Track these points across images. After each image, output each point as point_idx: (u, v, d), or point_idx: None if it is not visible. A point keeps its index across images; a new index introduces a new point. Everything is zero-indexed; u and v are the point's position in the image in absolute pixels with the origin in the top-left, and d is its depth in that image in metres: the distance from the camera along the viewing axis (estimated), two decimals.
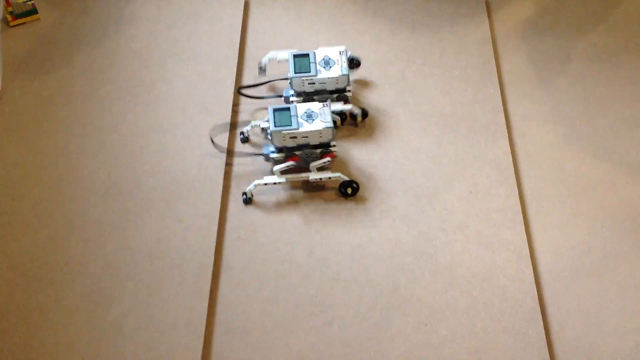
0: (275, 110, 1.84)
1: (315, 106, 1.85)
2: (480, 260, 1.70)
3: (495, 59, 2.14)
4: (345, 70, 1.95)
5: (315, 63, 1.95)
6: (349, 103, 1.97)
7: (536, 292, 1.64)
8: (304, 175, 1.83)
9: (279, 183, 1.83)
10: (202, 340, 1.56)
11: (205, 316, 1.60)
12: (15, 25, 2.28)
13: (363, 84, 2.10)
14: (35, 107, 2.03)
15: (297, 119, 1.82)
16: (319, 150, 1.84)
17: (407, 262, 1.70)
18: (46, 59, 2.16)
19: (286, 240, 1.76)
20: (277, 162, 1.84)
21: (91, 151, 1.92)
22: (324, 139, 1.84)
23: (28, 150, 1.92)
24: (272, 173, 1.83)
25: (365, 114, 1.99)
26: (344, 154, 1.93)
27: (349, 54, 2.09)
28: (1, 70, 2.12)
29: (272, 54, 2.04)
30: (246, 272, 1.70)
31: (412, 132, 1.98)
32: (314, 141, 1.84)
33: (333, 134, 1.83)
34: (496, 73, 2.10)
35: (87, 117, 2.00)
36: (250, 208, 1.82)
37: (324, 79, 1.94)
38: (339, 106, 1.96)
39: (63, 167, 1.88)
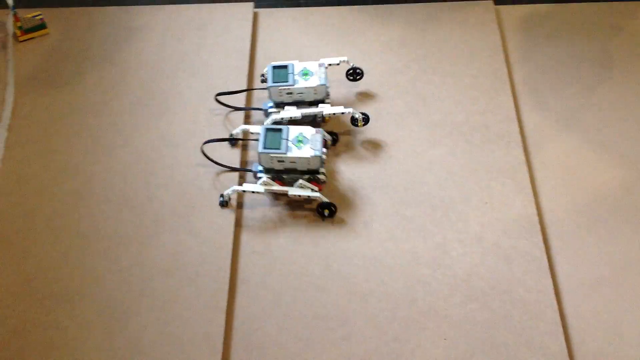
0: (267, 130, 1.81)
1: (308, 131, 1.82)
2: (498, 272, 1.69)
3: (507, 67, 2.14)
4: (324, 81, 1.94)
5: (294, 74, 1.95)
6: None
7: (556, 304, 1.62)
8: (283, 188, 1.81)
9: (257, 192, 1.81)
10: (219, 355, 1.55)
11: (222, 331, 1.59)
12: (24, 40, 2.27)
13: (373, 94, 2.09)
14: (46, 121, 2.02)
15: (287, 143, 1.79)
16: (306, 177, 1.82)
17: (425, 275, 1.69)
18: (56, 74, 2.16)
19: (302, 253, 1.75)
20: (265, 183, 1.82)
21: (104, 165, 1.91)
22: (312, 166, 1.81)
23: (40, 165, 1.91)
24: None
25: (366, 119, 1.98)
26: (356, 163, 1.92)
27: (351, 64, 2.09)
28: (13, 85, 2.12)
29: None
30: (262, 286, 1.69)
31: (425, 143, 1.97)
32: (301, 167, 1.82)
33: (321, 162, 1.81)
34: (508, 81, 2.09)
35: (99, 131, 1.99)
36: (264, 221, 1.81)
37: (302, 88, 1.94)
38: (340, 109, 1.95)
39: (76, 181, 1.87)
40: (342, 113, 1.95)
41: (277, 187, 1.80)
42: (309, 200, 1.84)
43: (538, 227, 1.76)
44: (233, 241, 1.76)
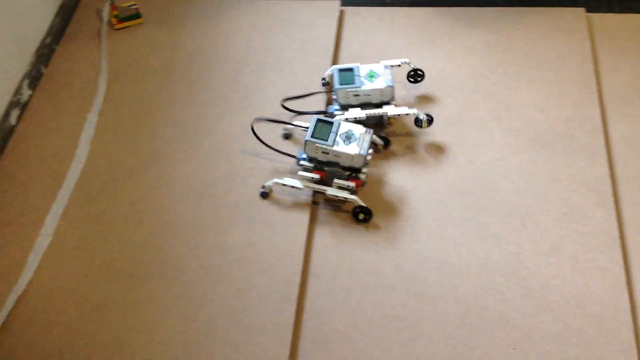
0: (318, 121, 1.83)
1: (357, 129, 1.83)
2: (573, 285, 1.66)
3: (596, 77, 2.08)
4: (390, 82, 1.94)
5: (360, 76, 1.95)
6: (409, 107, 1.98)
7: (632, 323, 1.58)
8: (322, 187, 1.82)
9: (296, 188, 1.83)
10: (288, 346, 1.59)
11: (292, 323, 1.62)
12: (119, 29, 2.37)
13: (455, 96, 2.08)
14: (135, 108, 2.10)
15: (335, 137, 1.80)
16: (347, 173, 1.83)
17: (497, 283, 1.68)
18: (147, 63, 2.24)
19: (374, 252, 1.76)
20: (305, 169, 1.85)
21: (187, 154, 1.97)
22: (355, 164, 1.82)
23: (128, 151, 1.99)
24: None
25: (430, 120, 1.96)
26: (435, 165, 1.92)
27: (412, 66, 2.08)
28: (106, 72, 2.21)
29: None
30: (333, 281, 1.71)
31: (506, 149, 1.95)
32: (344, 163, 1.82)
33: (365, 162, 1.81)
34: (596, 91, 2.04)
35: (185, 121, 2.06)
36: (339, 218, 1.83)
37: (369, 90, 1.94)
38: (404, 110, 1.95)
39: (160, 168, 1.94)
40: (407, 114, 1.95)
41: (315, 185, 1.82)
42: (344, 201, 1.85)
43: (618, 242, 1.72)
44: (307, 235, 1.79)
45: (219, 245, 1.77)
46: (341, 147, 1.79)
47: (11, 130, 2.05)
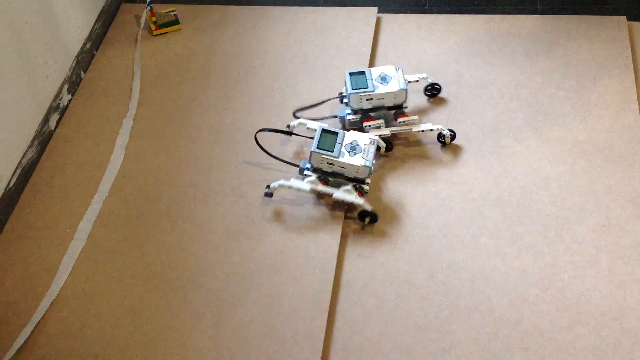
0: (323, 131, 1.82)
1: (362, 140, 1.81)
2: (610, 299, 1.62)
3: (637, 87, 2.04)
4: (404, 85, 1.92)
5: (372, 79, 1.93)
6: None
7: None
8: (329, 190, 1.81)
9: (303, 190, 1.82)
10: (319, 355, 1.58)
11: (324, 331, 1.62)
12: (157, 35, 2.40)
13: (493, 105, 2.06)
14: (171, 113, 2.13)
15: (341, 148, 1.79)
16: (351, 184, 1.82)
17: (532, 295, 1.65)
18: (184, 68, 2.26)
19: (406, 261, 1.75)
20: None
21: (222, 160, 1.99)
22: (360, 175, 1.80)
23: (163, 156, 2.01)
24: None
25: (453, 137, 1.95)
26: (470, 173, 1.89)
27: (429, 80, 2.05)
28: (139, 77, 2.23)
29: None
30: (365, 291, 1.70)
31: (543, 159, 1.92)
32: (349, 174, 1.81)
33: (369, 173, 1.80)
34: (637, 101, 2.00)
35: (220, 126, 2.07)
36: (371, 227, 1.82)
37: (382, 94, 1.92)
38: (428, 126, 1.94)
39: (195, 173, 1.96)
40: (431, 130, 1.94)
41: (322, 188, 1.81)
42: (352, 206, 1.84)
43: None
44: (339, 243, 1.79)
45: (252, 253, 1.77)
46: (347, 158, 1.79)
47: (50, 134, 2.09)
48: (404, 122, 1.94)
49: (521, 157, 1.93)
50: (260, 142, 1.93)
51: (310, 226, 1.82)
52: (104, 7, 2.42)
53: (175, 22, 2.40)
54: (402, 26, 2.34)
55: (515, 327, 1.60)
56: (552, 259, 1.71)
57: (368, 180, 1.83)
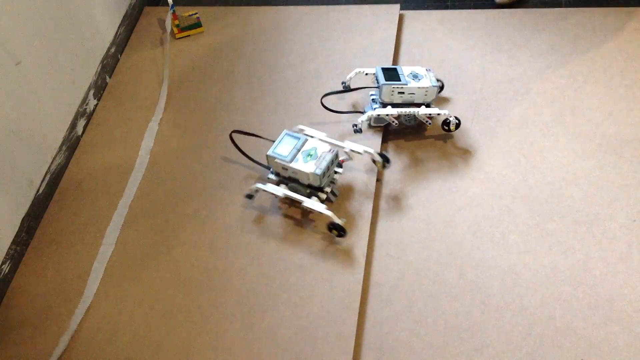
0: (286, 135, 1.83)
1: (322, 147, 1.81)
2: None
3: None
4: (435, 83, 1.94)
5: (404, 75, 1.95)
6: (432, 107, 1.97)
7: None
8: (300, 198, 1.80)
9: (275, 195, 1.83)
10: (351, 355, 1.58)
11: (354, 332, 1.62)
12: (180, 38, 2.41)
13: (519, 99, 2.04)
14: (197, 116, 2.13)
15: (297, 153, 1.79)
16: (307, 191, 1.82)
17: (564, 292, 1.64)
18: (208, 71, 2.27)
19: (435, 260, 1.74)
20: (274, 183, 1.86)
21: (248, 160, 1.99)
22: (312, 183, 1.80)
23: (189, 158, 2.02)
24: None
25: (458, 124, 1.95)
26: (497, 170, 1.88)
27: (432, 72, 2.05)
28: (167, 81, 2.25)
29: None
30: (395, 290, 1.70)
31: (572, 154, 1.90)
32: (303, 180, 1.81)
33: (321, 181, 1.78)
34: None
35: (246, 127, 2.07)
36: (400, 226, 1.82)
37: (414, 88, 1.93)
38: (429, 110, 1.93)
39: (222, 174, 1.97)
40: (438, 114, 1.94)
41: (294, 195, 1.81)
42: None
43: None
44: (368, 243, 1.79)
45: (281, 253, 1.78)
46: (299, 164, 1.78)
47: (78, 139, 2.10)
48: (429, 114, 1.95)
49: (549, 152, 1.91)
50: (234, 141, 1.98)
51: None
52: (127, 12, 2.44)
53: (198, 24, 2.41)
54: (425, 23, 2.33)
55: (548, 325, 1.59)
56: (583, 255, 1.70)
57: (327, 189, 1.82)
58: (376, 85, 1.96)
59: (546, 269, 1.68)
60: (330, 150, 1.81)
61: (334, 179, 1.84)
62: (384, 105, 1.97)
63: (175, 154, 2.05)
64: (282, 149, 1.81)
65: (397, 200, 1.86)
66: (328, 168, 1.79)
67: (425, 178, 1.91)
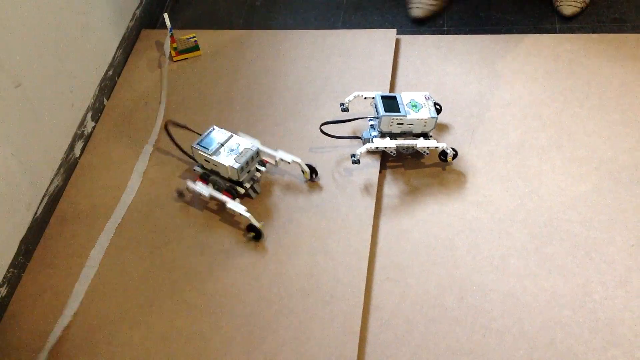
0: (213, 130, 1.94)
1: (244, 143, 1.90)
2: None
3: None
4: (434, 114, 1.93)
5: (404, 104, 1.95)
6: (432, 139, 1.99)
7: None
8: (223, 198, 1.87)
9: (202, 195, 1.89)
10: None
11: (355, 356, 1.61)
12: (178, 60, 2.41)
13: (516, 125, 2.06)
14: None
15: (220, 147, 1.88)
16: (228, 185, 1.89)
17: (564, 316, 1.64)
18: (206, 93, 2.27)
19: (435, 283, 1.74)
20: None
21: None
22: (232, 176, 1.88)
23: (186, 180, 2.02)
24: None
25: (455, 155, 1.96)
26: (497, 194, 1.89)
27: (431, 99, 2.06)
28: (164, 104, 2.25)
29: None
30: (395, 314, 1.70)
31: (569, 178, 1.91)
32: (224, 174, 1.89)
33: (244, 176, 1.87)
34: None
35: None
36: (399, 249, 1.82)
37: (413, 119, 1.93)
38: (428, 143, 1.94)
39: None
40: (435, 147, 1.94)
41: (218, 195, 1.87)
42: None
43: None
44: (367, 266, 1.78)
45: (281, 277, 1.77)
46: (221, 157, 1.86)
47: (75, 162, 2.10)
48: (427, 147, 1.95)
49: (547, 177, 1.92)
50: (169, 133, 2.05)
51: (338, 249, 1.82)
52: (125, 34, 2.44)
53: (196, 47, 2.42)
54: (422, 47, 2.35)
55: (549, 349, 1.59)
56: (583, 279, 1.71)
57: (246, 185, 1.89)
58: (375, 113, 1.96)
59: (546, 293, 1.69)
60: (252, 146, 1.89)
61: (255, 175, 1.92)
62: (383, 134, 1.98)
63: (169, 175, 2.04)
64: (207, 142, 1.90)
65: (396, 223, 1.86)
66: (247, 164, 1.87)
67: (424, 202, 1.91)
